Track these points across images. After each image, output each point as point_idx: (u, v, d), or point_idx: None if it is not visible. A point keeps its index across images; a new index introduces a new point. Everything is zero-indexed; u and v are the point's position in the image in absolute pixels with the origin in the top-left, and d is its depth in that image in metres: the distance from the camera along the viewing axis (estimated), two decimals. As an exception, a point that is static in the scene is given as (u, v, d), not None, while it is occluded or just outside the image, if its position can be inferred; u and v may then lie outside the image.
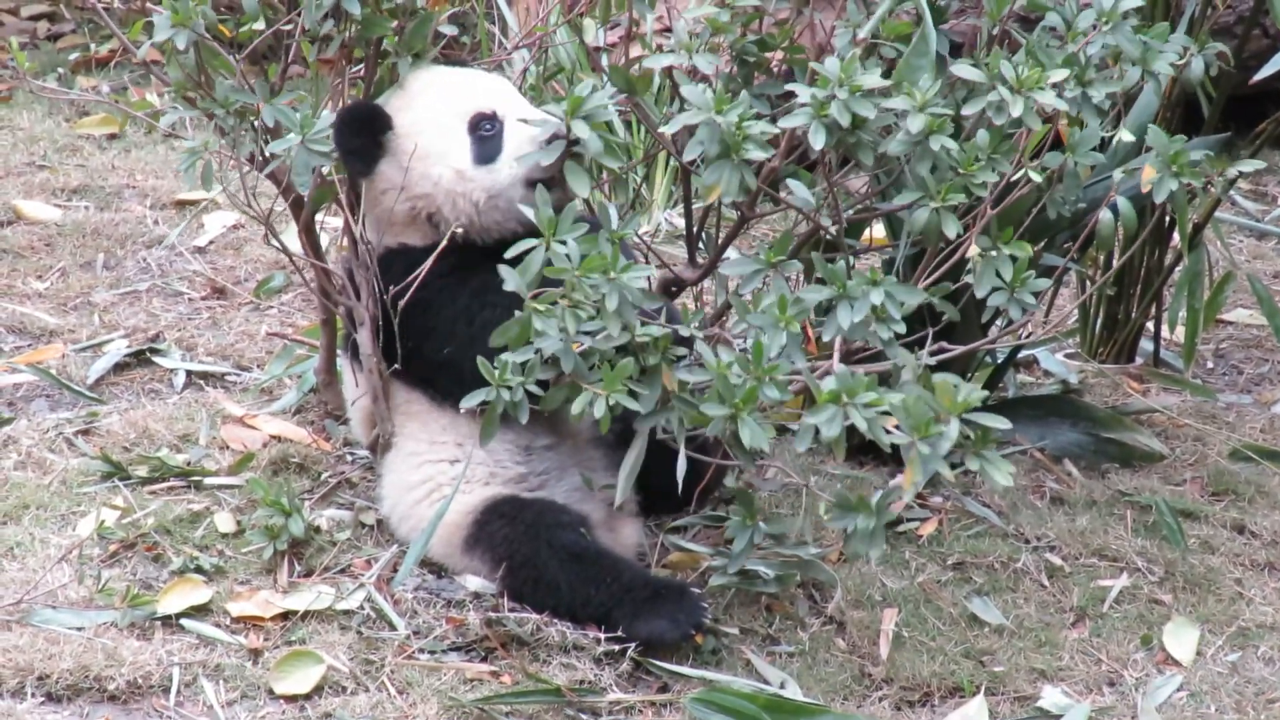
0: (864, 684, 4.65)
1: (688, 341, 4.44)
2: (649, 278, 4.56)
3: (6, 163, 7.18)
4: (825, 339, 4.40)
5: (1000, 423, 4.15)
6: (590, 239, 4.33)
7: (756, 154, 4.40)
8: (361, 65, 4.83)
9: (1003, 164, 4.50)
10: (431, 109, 4.70)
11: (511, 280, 4.32)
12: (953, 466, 4.15)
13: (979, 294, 4.53)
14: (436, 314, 4.67)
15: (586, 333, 4.33)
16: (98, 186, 6.98)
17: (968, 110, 4.52)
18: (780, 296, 4.32)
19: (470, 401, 4.43)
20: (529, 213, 4.38)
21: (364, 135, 4.67)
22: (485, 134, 4.66)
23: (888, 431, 4.17)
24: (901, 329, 4.40)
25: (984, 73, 4.50)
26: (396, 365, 4.73)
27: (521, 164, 4.60)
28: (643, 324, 4.37)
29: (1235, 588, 5.11)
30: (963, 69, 4.52)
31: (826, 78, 4.41)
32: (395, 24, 4.70)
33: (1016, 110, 4.44)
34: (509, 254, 4.34)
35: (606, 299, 4.27)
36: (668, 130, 4.49)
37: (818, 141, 4.41)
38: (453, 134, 4.68)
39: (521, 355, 4.37)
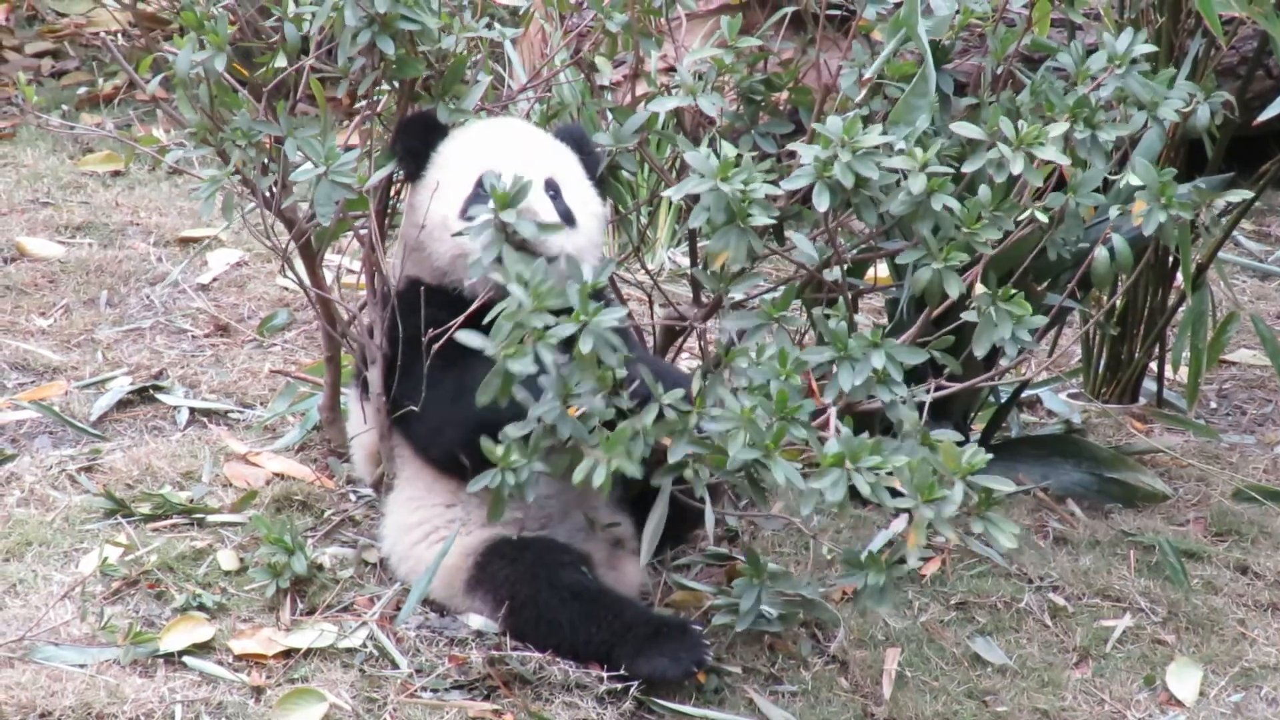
0: (867, 724, 4.66)
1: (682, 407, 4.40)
2: (647, 323, 4.54)
3: (10, 199, 7.19)
4: (827, 399, 4.38)
5: (1004, 484, 4.16)
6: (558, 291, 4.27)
7: (762, 220, 4.38)
8: (369, 100, 4.84)
9: (1005, 221, 4.48)
10: (467, 152, 4.71)
11: (474, 339, 4.25)
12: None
13: (978, 353, 4.51)
14: (409, 357, 4.67)
15: (580, 395, 4.31)
16: (101, 223, 6.99)
17: (968, 167, 4.51)
18: (781, 351, 4.30)
19: (475, 486, 4.40)
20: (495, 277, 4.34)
21: (419, 139, 4.73)
22: (482, 190, 4.65)
23: (892, 493, 4.17)
24: (904, 392, 4.39)
25: (983, 130, 4.50)
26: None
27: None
28: (631, 396, 4.36)
29: (1238, 628, 5.11)
30: (963, 127, 4.52)
31: (828, 138, 4.40)
32: (427, 68, 4.72)
33: (1017, 168, 4.44)
34: (486, 320, 4.28)
35: (580, 341, 4.22)
36: (674, 195, 4.48)
37: (821, 203, 4.40)
38: (464, 180, 4.68)
39: (523, 429, 4.35)
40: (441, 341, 4.53)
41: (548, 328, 4.14)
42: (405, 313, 4.69)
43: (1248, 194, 4.98)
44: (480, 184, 4.65)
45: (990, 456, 4.18)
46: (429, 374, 4.62)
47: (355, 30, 4.59)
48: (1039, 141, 4.45)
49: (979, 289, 4.49)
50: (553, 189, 4.68)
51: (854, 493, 4.18)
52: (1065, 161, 4.50)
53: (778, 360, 4.29)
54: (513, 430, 4.34)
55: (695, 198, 4.41)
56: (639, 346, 4.85)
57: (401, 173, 4.79)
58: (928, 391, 4.50)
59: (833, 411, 4.35)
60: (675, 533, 4.81)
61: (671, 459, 4.34)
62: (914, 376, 4.45)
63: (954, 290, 4.47)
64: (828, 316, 4.43)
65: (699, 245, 5.06)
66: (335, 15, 4.58)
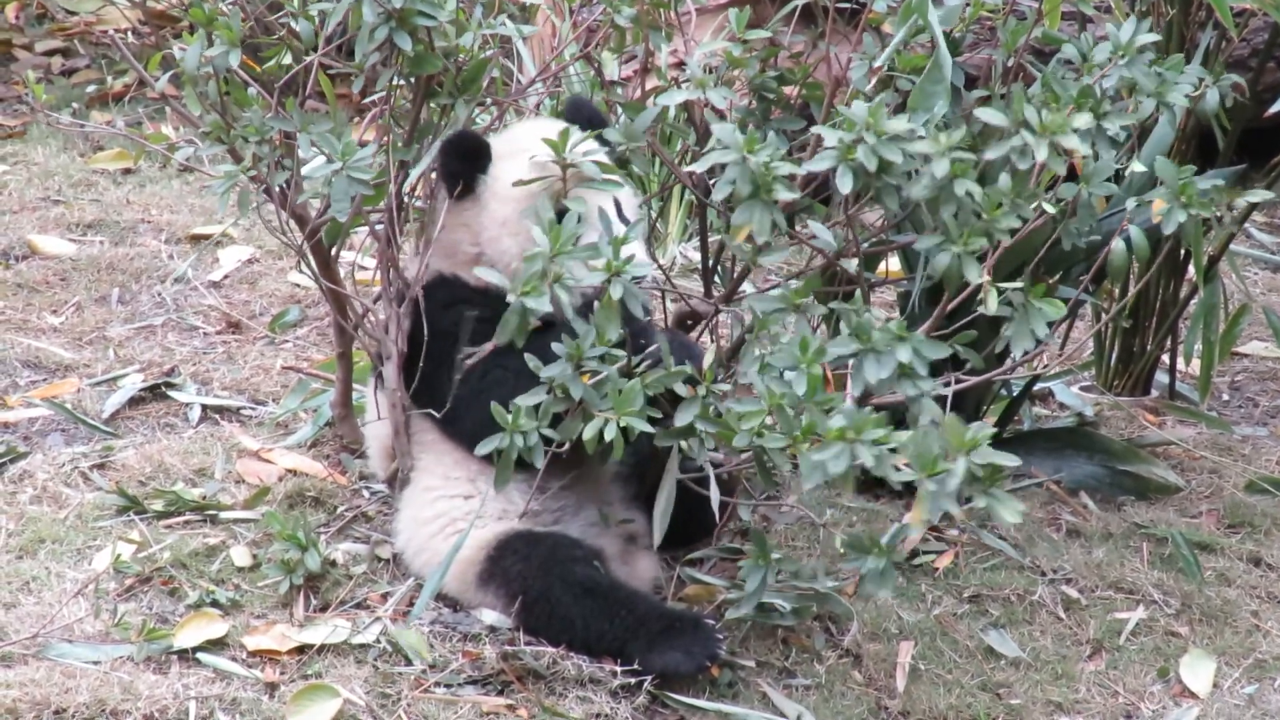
0: (880, 717, 4.65)
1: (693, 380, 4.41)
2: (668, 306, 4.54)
3: (21, 197, 7.20)
4: (854, 393, 4.37)
5: (1009, 459, 4.13)
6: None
7: (785, 195, 4.38)
8: (379, 97, 4.84)
9: (1024, 209, 4.47)
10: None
11: (492, 276, 4.35)
12: (967, 501, 4.13)
13: (1015, 352, 4.50)
14: (457, 351, 4.66)
15: (595, 358, 4.33)
16: (112, 221, 7.00)
17: (991, 155, 4.49)
18: (802, 338, 4.30)
19: (485, 448, 4.44)
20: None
21: (466, 163, 4.69)
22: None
23: (896, 469, 4.16)
24: (929, 386, 4.37)
25: (1008, 117, 4.48)
26: (431, 411, 4.73)
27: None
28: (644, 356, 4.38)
29: (1252, 620, 5.10)
30: (987, 113, 4.50)
31: (853, 121, 4.39)
32: (445, 64, 4.72)
33: (1041, 155, 4.41)
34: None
35: (610, 289, 4.26)
36: (698, 168, 4.47)
37: (845, 185, 4.38)
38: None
39: (534, 398, 4.38)
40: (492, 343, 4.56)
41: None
42: (435, 309, 4.69)
43: (1269, 194, 4.96)
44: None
45: (995, 430, 4.16)
46: (476, 370, 4.62)
47: (373, 26, 4.59)
48: (1063, 130, 4.43)
49: (989, 280, 4.49)
50: (616, 203, 4.69)
51: (869, 482, 4.18)
52: (1088, 151, 4.49)
53: (798, 347, 4.28)
54: (524, 399, 4.36)
55: (709, 192, 4.41)
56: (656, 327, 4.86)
57: (446, 187, 4.76)
58: (946, 385, 4.49)
59: (850, 400, 4.34)
60: (697, 529, 4.80)
61: (679, 423, 4.35)
62: (931, 371, 4.44)
63: (974, 276, 4.45)
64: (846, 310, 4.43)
65: (708, 236, 5.06)
66: (354, 9, 4.57)
